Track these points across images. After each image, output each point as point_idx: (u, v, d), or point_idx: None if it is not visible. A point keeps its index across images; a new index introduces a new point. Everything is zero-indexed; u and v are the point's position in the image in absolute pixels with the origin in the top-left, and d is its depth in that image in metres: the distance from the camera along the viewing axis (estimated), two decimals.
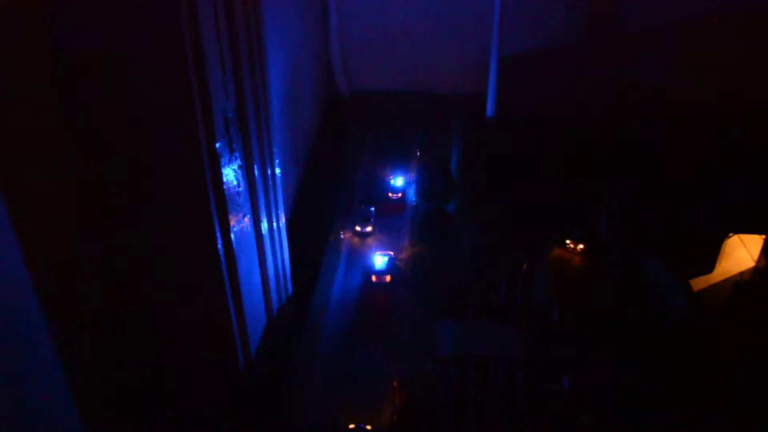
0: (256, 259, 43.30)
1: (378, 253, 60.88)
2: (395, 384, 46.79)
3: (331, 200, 71.51)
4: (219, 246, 36.18)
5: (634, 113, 74.34)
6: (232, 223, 37.56)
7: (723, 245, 61.90)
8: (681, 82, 74.30)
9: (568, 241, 59.00)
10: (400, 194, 72.07)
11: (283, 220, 48.00)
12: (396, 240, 65.15)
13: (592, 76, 76.82)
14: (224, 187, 35.99)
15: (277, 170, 45.59)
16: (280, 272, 48.37)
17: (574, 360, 47.19)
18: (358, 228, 65.65)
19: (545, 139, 72.12)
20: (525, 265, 57.80)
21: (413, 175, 74.73)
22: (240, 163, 38.80)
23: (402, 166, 78.53)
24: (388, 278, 57.98)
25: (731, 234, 62.77)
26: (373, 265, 58.95)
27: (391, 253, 61.39)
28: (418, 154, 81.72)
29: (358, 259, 62.20)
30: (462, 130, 78.32)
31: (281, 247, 48.23)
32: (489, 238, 62.26)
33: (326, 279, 59.02)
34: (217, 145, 34.79)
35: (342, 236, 65.55)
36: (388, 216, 69.27)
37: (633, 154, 66.58)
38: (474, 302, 54.15)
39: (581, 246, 58.41)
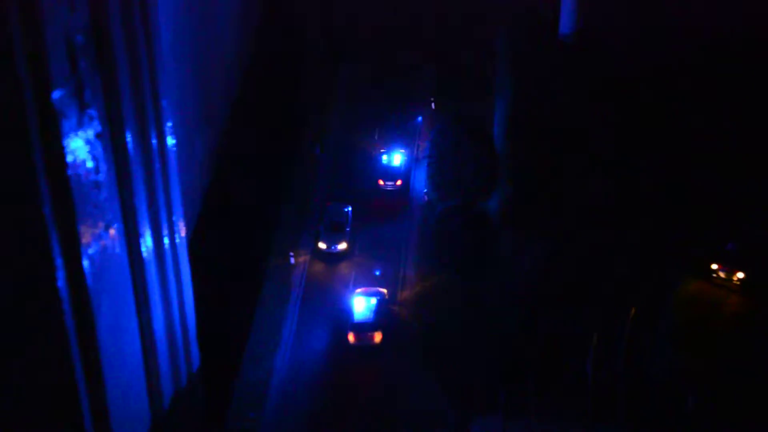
0: (132, 303, 43.73)
1: (359, 291, 61.30)
2: None
3: (272, 194, 71.64)
4: (59, 281, 36.42)
5: None
6: (86, 238, 37.78)
7: None
8: None
9: (715, 266, 59.68)
10: (399, 182, 72.69)
11: (183, 232, 48.26)
12: (392, 266, 65.59)
13: None
14: (69, 173, 36.18)
15: (170, 140, 45.81)
16: (177, 328, 48.75)
17: None
18: (322, 245, 66.27)
19: (665, 74, 72.16)
20: (632, 314, 57.35)
21: (423, 147, 75.14)
22: (99, 130, 38.76)
23: (401, 129, 78.96)
24: (377, 337, 58.42)
25: None
26: (351, 314, 59.39)
27: (384, 290, 61.81)
28: (432, 106, 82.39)
29: (323, 301, 62.47)
30: (512, 61, 78.52)
31: (179, 281, 48.51)
32: (563, 263, 62.20)
33: (264, 340, 59.18)
34: (55, 95, 34.96)
35: (293, 260, 66.11)
36: (378, 222, 69.78)
37: None
38: (537, 383, 54.39)
39: (740, 274, 59.12)
